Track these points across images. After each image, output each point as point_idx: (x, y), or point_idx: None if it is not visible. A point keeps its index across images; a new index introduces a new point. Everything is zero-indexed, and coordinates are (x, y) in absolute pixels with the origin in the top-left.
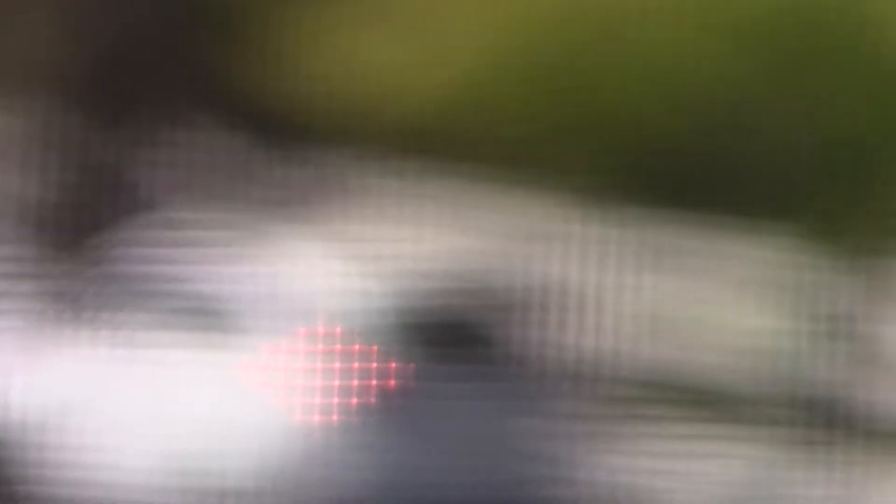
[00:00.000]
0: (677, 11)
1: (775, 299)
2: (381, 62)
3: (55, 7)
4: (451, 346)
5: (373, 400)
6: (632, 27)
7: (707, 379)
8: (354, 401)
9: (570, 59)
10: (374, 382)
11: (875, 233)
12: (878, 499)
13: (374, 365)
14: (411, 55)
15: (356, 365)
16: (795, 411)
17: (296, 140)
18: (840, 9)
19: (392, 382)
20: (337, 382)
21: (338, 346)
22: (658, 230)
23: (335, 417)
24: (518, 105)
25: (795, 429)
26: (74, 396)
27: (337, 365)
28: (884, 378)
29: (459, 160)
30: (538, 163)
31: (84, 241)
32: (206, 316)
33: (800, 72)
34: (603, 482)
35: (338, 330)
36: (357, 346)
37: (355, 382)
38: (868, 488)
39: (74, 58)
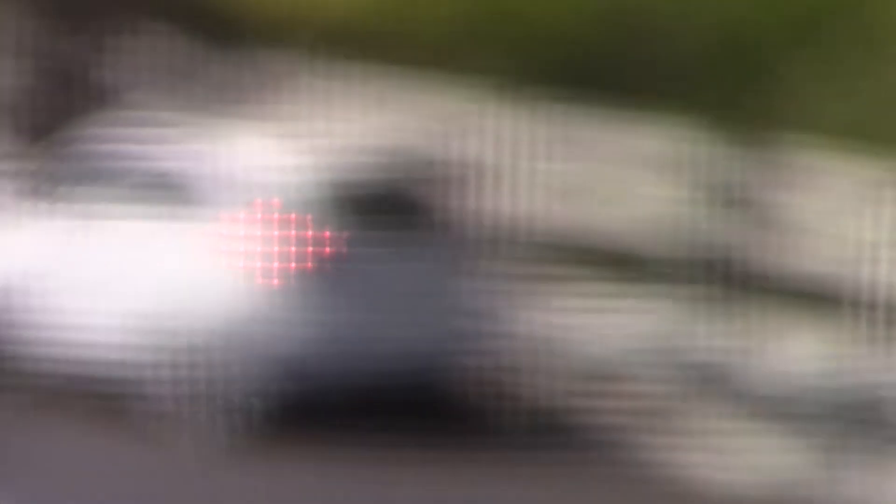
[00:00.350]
0: None
1: (677, 172)
2: None
3: None
4: (384, 214)
5: (317, 265)
6: None
7: (616, 242)
8: (301, 265)
9: None
10: (321, 249)
11: (767, 112)
12: (772, 350)
13: (318, 234)
14: None
15: (301, 234)
16: (697, 271)
17: (244, 39)
18: None
19: (332, 249)
20: (285, 249)
21: (284, 217)
22: (567, 115)
23: (283, 280)
24: (437, 8)
25: (697, 287)
26: (46, 265)
27: (283, 234)
28: (776, 239)
29: (387, 56)
30: (456, 59)
31: (54, 130)
32: (166, 190)
33: None
34: (524, 335)
35: (283, 202)
36: (301, 217)
37: (302, 250)
38: (764, 340)
39: None
